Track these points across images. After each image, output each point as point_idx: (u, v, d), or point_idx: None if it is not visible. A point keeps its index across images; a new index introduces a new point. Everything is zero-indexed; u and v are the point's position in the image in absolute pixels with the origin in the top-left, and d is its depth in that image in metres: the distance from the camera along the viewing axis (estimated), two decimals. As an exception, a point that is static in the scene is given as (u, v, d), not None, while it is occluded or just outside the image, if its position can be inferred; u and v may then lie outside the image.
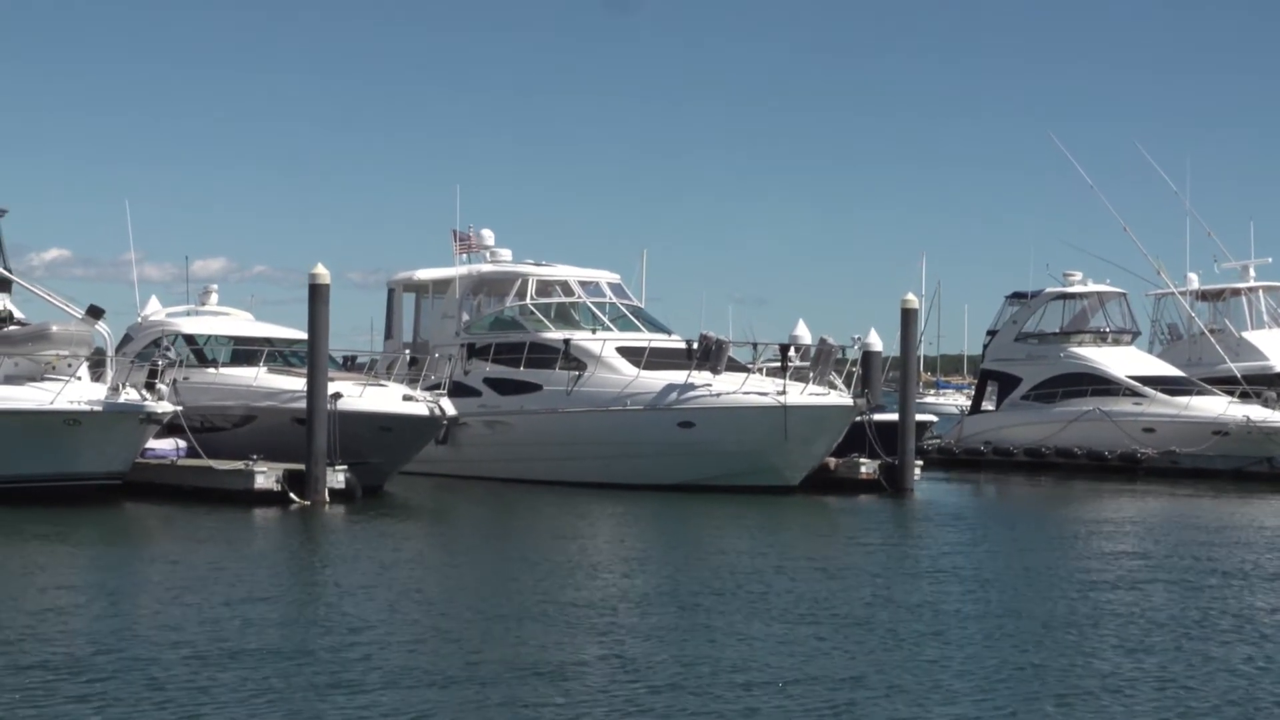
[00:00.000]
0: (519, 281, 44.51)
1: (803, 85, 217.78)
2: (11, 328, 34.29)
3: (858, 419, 39.97)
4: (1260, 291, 56.40)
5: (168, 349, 38.04)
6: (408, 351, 43.52)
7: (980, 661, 16.91)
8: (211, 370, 38.79)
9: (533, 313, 43.37)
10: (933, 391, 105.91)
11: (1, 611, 18.98)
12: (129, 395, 32.04)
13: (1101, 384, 51.27)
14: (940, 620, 19.60)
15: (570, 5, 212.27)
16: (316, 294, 34.34)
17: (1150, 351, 55.51)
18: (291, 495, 33.13)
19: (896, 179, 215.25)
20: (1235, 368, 51.41)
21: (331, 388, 34.39)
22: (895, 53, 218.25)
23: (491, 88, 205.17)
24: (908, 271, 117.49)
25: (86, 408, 31.50)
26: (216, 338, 40.56)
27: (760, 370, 41.90)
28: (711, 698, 14.94)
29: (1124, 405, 50.41)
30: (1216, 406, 49.22)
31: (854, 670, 16.28)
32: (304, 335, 36.54)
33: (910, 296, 43.44)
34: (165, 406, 32.28)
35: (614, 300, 44.41)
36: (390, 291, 48.02)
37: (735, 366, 40.33)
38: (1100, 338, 53.31)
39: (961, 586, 22.86)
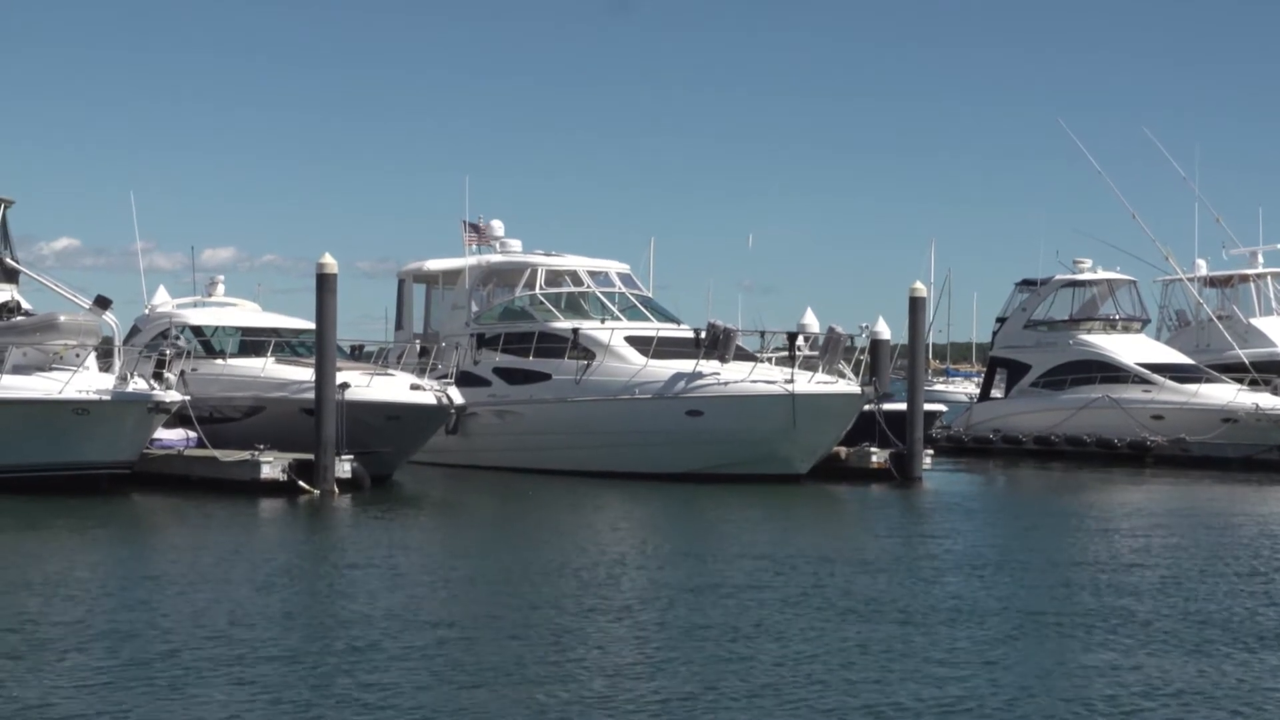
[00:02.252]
0: (528, 272, 44.55)
1: (811, 74, 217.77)
2: (19, 318, 34.31)
3: (866, 407, 39.95)
4: (1269, 278, 56.20)
5: (177, 337, 38.06)
6: (417, 341, 43.55)
7: (1019, 655, 16.93)
8: (219, 361, 38.82)
9: (542, 303, 43.39)
10: (942, 379, 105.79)
11: (14, 601, 19.02)
12: (137, 385, 32.09)
13: (1111, 371, 51.18)
14: (991, 615, 19.62)
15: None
16: (324, 284, 34.37)
17: (1158, 338, 55.39)
18: (300, 485, 33.15)
19: (905, 167, 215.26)
20: (1243, 354, 51.32)
21: (339, 378, 34.42)
22: (904, 41, 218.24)
23: (500, 77, 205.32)
24: (917, 259, 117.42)
25: (95, 397, 31.53)
26: (224, 329, 40.60)
27: (770, 359, 41.92)
28: (747, 696, 14.94)
29: (1133, 393, 50.29)
30: (1226, 394, 49.09)
31: (917, 670, 16.29)
32: (311, 325, 36.56)
33: (918, 285, 43.44)
34: (173, 396, 32.28)
35: (623, 290, 44.44)
36: (401, 282, 48.11)
37: (743, 355, 40.34)
38: (1110, 325, 53.21)
39: (990, 579, 22.72)
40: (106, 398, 31.58)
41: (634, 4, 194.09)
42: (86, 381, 31.87)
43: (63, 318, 33.02)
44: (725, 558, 24.26)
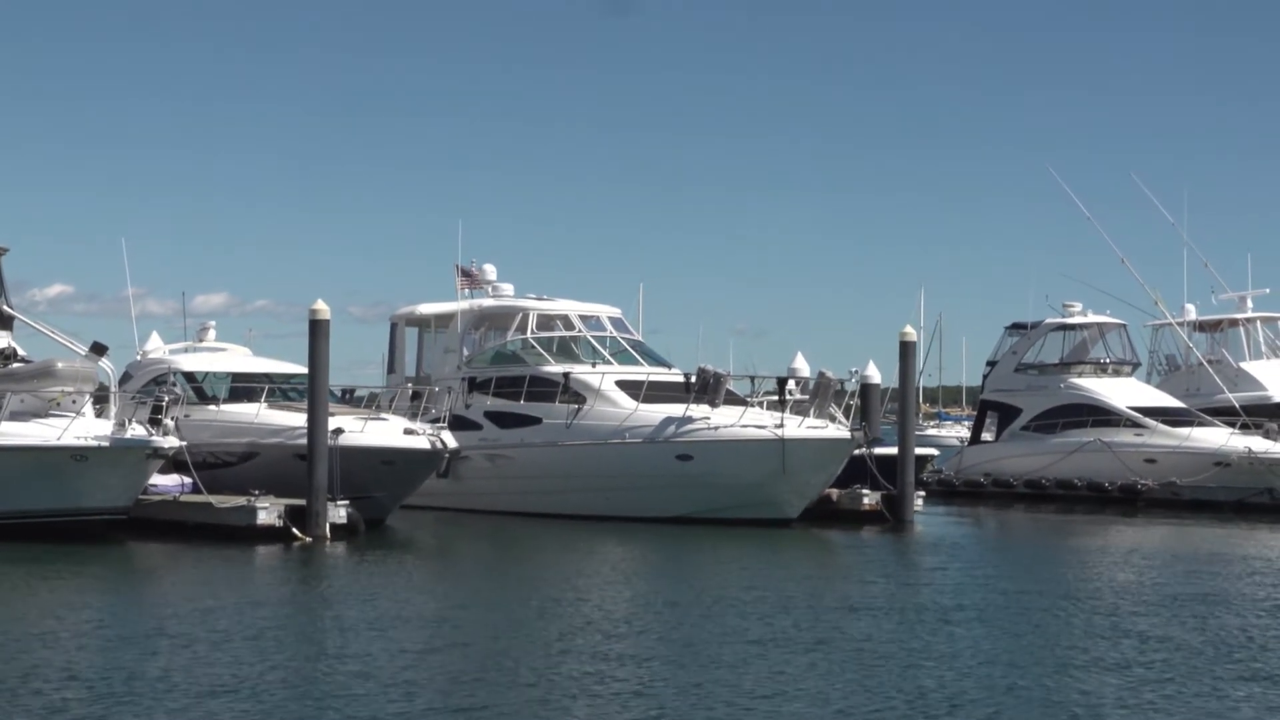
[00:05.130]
0: (520, 316, 44.67)
1: (800, 118, 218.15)
2: (16, 365, 34.41)
3: (857, 451, 40.09)
4: (1258, 322, 56.50)
5: (173, 385, 38.09)
6: (409, 385, 43.70)
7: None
8: (212, 407, 38.90)
9: (533, 346, 43.53)
10: (933, 423, 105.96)
11: (9, 651, 19.03)
12: (135, 431, 32.16)
13: (1102, 415, 51.35)
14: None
15: (570, 38, 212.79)
16: (316, 330, 34.49)
17: (1148, 382, 55.59)
18: (294, 531, 33.21)
19: (895, 212, 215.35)
20: (1233, 398, 51.52)
21: (333, 423, 34.53)
22: (893, 84, 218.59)
23: (492, 120, 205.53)
24: (908, 304, 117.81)
25: (94, 443, 31.59)
26: (215, 374, 40.67)
27: (762, 404, 42.05)
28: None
29: (1125, 436, 50.49)
30: (1218, 437, 49.29)
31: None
32: (302, 369, 36.69)
33: (908, 329, 43.62)
34: (171, 441, 32.32)
35: (614, 334, 44.57)
36: (393, 326, 48.20)
37: (733, 399, 40.50)
38: (1100, 369, 53.42)
39: (996, 625, 22.75)
40: (105, 443, 31.64)
41: (630, 8, 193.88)
42: (84, 427, 31.96)
43: (60, 364, 33.10)
44: (726, 606, 24.25)
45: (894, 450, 41.90)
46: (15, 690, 16.44)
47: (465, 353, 44.90)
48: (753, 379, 45.01)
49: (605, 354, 43.16)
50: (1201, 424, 50.09)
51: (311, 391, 34.42)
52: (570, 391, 41.00)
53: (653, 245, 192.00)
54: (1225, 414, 50.73)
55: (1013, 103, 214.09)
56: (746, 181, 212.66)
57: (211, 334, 43.31)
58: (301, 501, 33.63)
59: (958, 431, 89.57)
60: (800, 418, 39.16)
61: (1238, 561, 32.64)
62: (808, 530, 38.17)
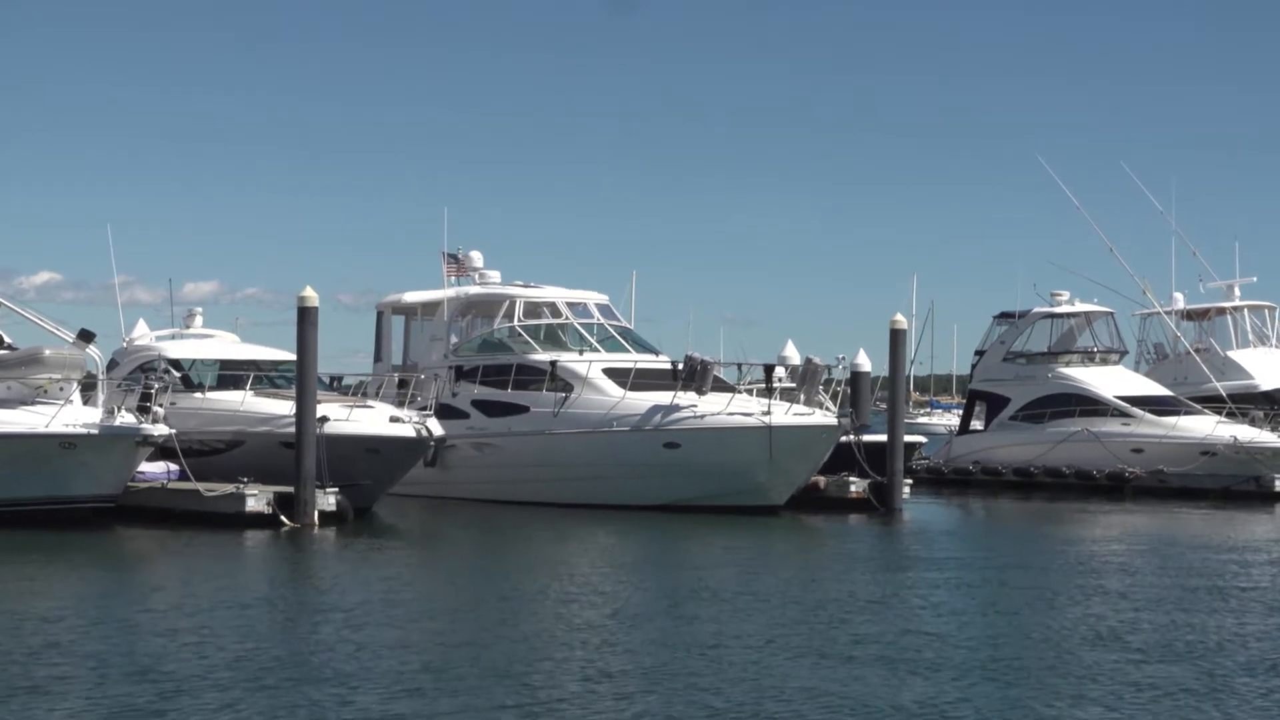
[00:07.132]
0: (507, 303, 44.55)
1: (792, 107, 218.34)
2: (3, 352, 34.29)
3: (843, 439, 40.05)
4: (1245, 311, 56.58)
5: (165, 373, 37.96)
6: (395, 374, 43.59)
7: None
8: (199, 395, 38.77)
9: (520, 334, 43.39)
10: (924, 411, 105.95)
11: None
12: (124, 418, 32.07)
13: (1090, 404, 51.37)
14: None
15: (561, 26, 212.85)
16: (305, 317, 34.44)
17: (1136, 371, 55.61)
18: (282, 518, 33.16)
19: (885, 200, 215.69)
20: (1221, 387, 51.59)
21: (318, 410, 34.45)
22: (884, 73, 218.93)
23: (482, 109, 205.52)
24: (899, 292, 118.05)
25: (83, 430, 31.48)
26: (202, 361, 40.54)
27: (752, 390, 42.00)
28: None
29: (1112, 425, 50.50)
30: (1204, 426, 49.35)
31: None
32: (289, 356, 36.63)
33: (899, 317, 43.60)
34: (161, 429, 32.18)
35: (602, 321, 44.45)
36: (379, 314, 48.06)
37: (721, 387, 40.44)
38: (1088, 357, 53.40)
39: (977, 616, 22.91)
40: (94, 431, 31.53)
41: (632, 6, 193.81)
42: (72, 415, 31.86)
43: (48, 352, 33.00)
44: (715, 597, 24.23)
45: (882, 438, 41.87)
46: (3, 677, 16.39)
47: (452, 340, 44.81)
48: (740, 366, 45.01)
49: (592, 341, 43.05)
50: (1189, 413, 50.17)
51: (300, 379, 34.36)
52: (557, 380, 40.93)
53: (642, 233, 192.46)
54: (1213, 402, 50.85)
55: (1002, 92, 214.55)
56: (737, 170, 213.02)
57: (198, 320, 43.16)
58: (290, 489, 33.57)
59: (948, 420, 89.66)
60: (787, 404, 39.14)
61: (1224, 548, 32.68)
62: (795, 518, 38.15)
